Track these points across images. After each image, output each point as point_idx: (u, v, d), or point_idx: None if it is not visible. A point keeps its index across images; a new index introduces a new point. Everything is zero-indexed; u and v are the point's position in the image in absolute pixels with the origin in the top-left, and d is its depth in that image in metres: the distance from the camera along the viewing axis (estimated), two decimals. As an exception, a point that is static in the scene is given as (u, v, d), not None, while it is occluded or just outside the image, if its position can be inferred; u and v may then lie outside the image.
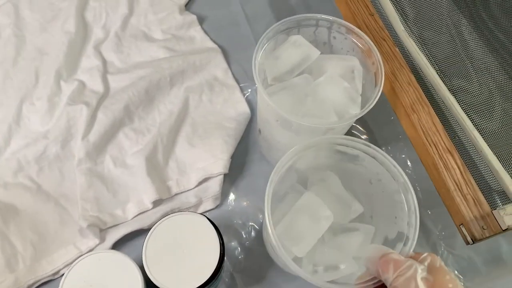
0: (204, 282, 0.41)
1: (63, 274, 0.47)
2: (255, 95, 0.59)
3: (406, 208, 0.37)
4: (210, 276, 0.42)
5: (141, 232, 0.49)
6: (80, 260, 0.42)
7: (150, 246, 0.43)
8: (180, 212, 0.45)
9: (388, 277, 0.31)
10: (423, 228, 0.52)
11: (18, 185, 0.51)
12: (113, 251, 0.43)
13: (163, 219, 0.44)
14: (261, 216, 0.52)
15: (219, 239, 0.43)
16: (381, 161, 0.39)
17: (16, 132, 0.54)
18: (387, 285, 0.32)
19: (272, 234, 0.36)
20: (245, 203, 0.53)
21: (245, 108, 0.57)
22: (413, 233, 0.36)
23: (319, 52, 0.46)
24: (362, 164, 0.42)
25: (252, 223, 0.52)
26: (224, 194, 0.53)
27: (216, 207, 0.52)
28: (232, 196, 0.53)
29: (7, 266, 0.46)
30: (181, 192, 0.52)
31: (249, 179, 0.54)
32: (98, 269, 0.42)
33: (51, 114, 0.55)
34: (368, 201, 0.45)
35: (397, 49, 0.50)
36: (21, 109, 0.56)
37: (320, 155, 0.43)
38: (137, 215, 0.50)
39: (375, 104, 0.42)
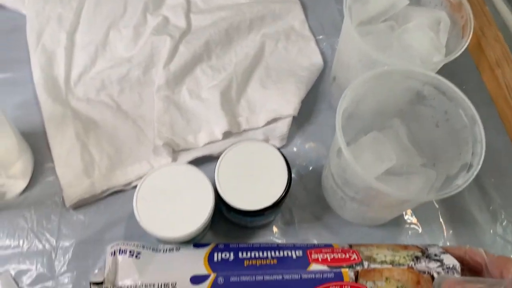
0: (272, 204, 0.43)
1: (134, 186, 0.50)
2: (329, 49, 0.61)
3: (472, 141, 0.38)
4: (278, 199, 0.44)
5: (211, 159, 0.51)
6: (157, 169, 0.45)
7: (223, 166, 0.45)
8: (252, 140, 0.47)
9: None
10: (484, 195, 0.52)
11: (100, 102, 0.54)
12: (188, 165, 0.46)
13: (236, 144, 0.46)
14: (323, 162, 0.53)
15: (287, 166, 0.45)
16: (450, 96, 0.40)
17: (102, 55, 0.57)
18: None
19: (344, 149, 0.37)
20: (308, 148, 0.54)
21: (319, 59, 0.59)
22: (478, 161, 0.37)
23: (408, 1, 0.46)
24: (431, 105, 0.42)
25: (313, 167, 0.53)
26: (289, 137, 0.54)
27: (281, 147, 0.54)
28: (297, 140, 0.55)
29: (85, 172, 0.50)
30: (250, 129, 0.54)
31: (315, 127, 0.56)
32: (172, 180, 0.44)
33: (136, 42, 0.58)
34: (432, 149, 0.45)
35: (486, 7, 0.50)
36: (108, 35, 0.59)
37: (389, 93, 0.44)
38: (207, 144, 0.52)
39: (456, 60, 0.42)
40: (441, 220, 0.51)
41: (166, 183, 0.44)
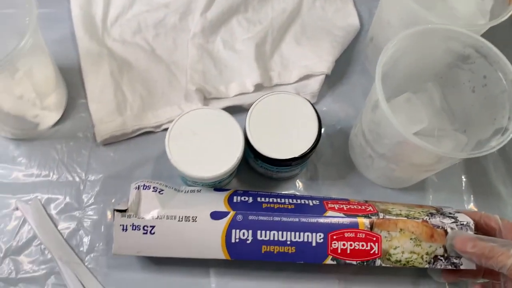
0: (301, 155, 0.44)
1: (164, 129, 0.51)
2: (367, 12, 0.60)
3: (510, 106, 0.38)
4: (307, 151, 0.44)
5: (240, 110, 0.52)
6: (191, 111, 0.45)
7: (255, 114, 0.46)
8: (286, 92, 0.48)
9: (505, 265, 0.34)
10: (510, 169, 0.52)
11: (135, 44, 0.55)
12: (221, 110, 0.46)
13: (269, 94, 0.47)
14: (351, 122, 0.53)
15: (318, 120, 0.45)
16: (492, 60, 0.40)
17: (140, -2, 0.57)
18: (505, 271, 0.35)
19: (382, 102, 0.37)
20: (338, 107, 0.54)
21: (355, 21, 0.58)
22: None
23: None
24: (469, 69, 0.42)
25: (341, 127, 0.53)
26: (320, 95, 0.54)
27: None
28: (327, 99, 0.55)
29: (117, 110, 0.50)
30: (281, 84, 0.54)
31: (347, 87, 0.56)
32: (205, 122, 0.45)
33: (174, -12, 0.58)
34: (465, 114, 0.45)
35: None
36: (147, -21, 0.59)
37: (428, 54, 0.44)
38: (237, 95, 0.53)
39: (499, 27, 0.41)
40: (464, 190, 0.51)
41: (199, 125, 0.45)
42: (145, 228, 0.41)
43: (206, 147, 0.44)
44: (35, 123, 0.50)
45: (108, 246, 0.46)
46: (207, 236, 0.42)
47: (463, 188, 0.51)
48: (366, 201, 0.45)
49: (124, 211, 0.41)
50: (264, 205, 0.43)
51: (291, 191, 0.50)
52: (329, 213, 0.42)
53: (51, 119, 0.51)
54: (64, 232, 0.46)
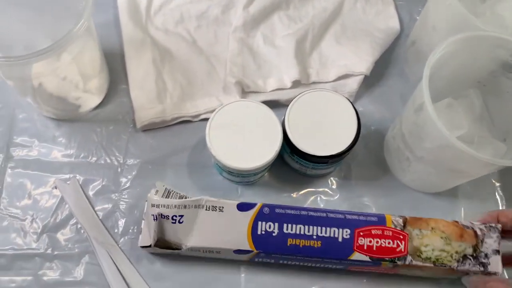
0: (339, 152, 0.44)
1: (202, 119, 0.52)
2: (407, 15, 0.60)
3: None
4: (346, 149, 0.44)
5: (277, 105, 0.52)
6: (231, 103, 0.46)
7: (294, 110, 0.46)
8: (326, 89, 0.48)
9: None
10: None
11: (177, 35, 0.55)
12: (261, 103, 0.46)
13: (310, 90, 0.47)
14: (386, 124, 0.53)
15: (357, 119, 0.45)
16: None
17: (183, -11, 0.58)
18: None
19: (429, 104, 0.37)
20: (373, 109, 0.54)
21: (396, 24, 0.58)
22: None
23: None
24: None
25: (376, 128, 0.53)
26: (357, 95, 0.55)
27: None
28: (364, 99, 0.55)
29: (158, 98, 0.51)
30: (319, 82, 0.54)
31: (384, 90, 0.56)
32: (244, 114, 0.46)
33: (218, -19, 0.58)
34: (506, 123, 0.45)
35: None
36: (191, -30, 0.59)
37: (473, 61, 0.44)
38: (275, 90, 0.53)
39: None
40: (497, 197, 0.51)
41: (239, 117, 0.45)
42: (174, 217, 0.42)
43: (245, 139, 0.44)
44: (76, 105, 0.51)
45: (139, 230, 0.46)
46: (233, 227, 0.42)
47: (496, 195, 0.51)
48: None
49: (149, 246, 0.43)
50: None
51: (324, 188, 0.50)
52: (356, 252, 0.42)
53: (92, 102, 0.52)
54: (100, 214, 0.47)
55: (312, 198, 0.50)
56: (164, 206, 0.42)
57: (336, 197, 0.50)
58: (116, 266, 0.45)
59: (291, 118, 0.45)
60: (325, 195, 0.50)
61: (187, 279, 0.45)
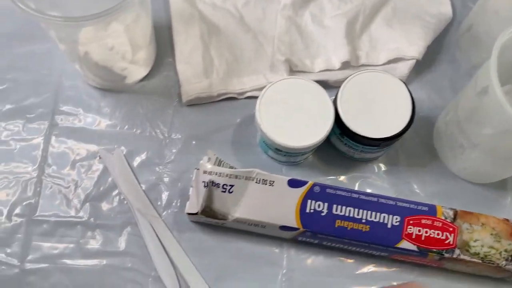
0: (393, 135, 0.43)
1: (248, 97, 0.51)
2: (459, 1, 0.58)
3: None
4: (400, 131, 0.43)
5: (325, 87, 0.50)
6: (282, 80, 0.45)
7: (346, 90, 0.45)
8: (379, 70, 0.47)
9: None
10: None
11: (224, 10, 0.54)
12: (313, 82, 0.45)
13: (362, 71, 0.46)
14: (435, 111, 0.51)
15: (412, 101, 0.44)
16: None
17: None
18: None
19: (497, 87, 0.35)
20: (423, 95, 0.53)
21: (448, 10, 0.56)
22: None
23: None
24: None
25: (424, 115, 0.52)
26: (407, 81, 0.53)
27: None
28: (414, 85, 0.53)
29: (204, 72, 0.50)
30: (368, 65, 0.53)
31: (435, 76, 0.54)
32: (295, 92, 0.45)
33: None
34: None
35: None
36: None
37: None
38: (322, 71, 0.52)
39: None
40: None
41: (290, 94, 0.44)
42: (225, 186, 0.41)
43: (296, 117, 0.43)
44: (122, 76, 0.50)
45: (182, 203, 0.46)
46: (282, 202, 0.42)
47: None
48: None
49: (195, 213, 0.42)
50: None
51: (371, 174, 0.49)
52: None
53: (138, 74, 0.51)
54: (143, 186, 0.47)
55: (357, 182, 0.49)
56: (216, 173, 0.41)
57: (382, 183, 0.49)
58: (158, 238, 0.45)
59: (343, 98, 0.44)
60: (371, 180, 0.49)
61: (228, 254, 0.45)
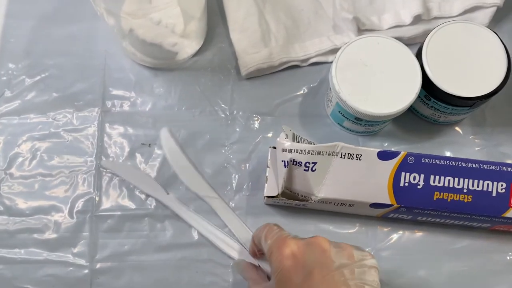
0: (489, 93, 0.38)
1: (312, 64, 0.46)
2: None
3: None
4: (495, 88, 0.38)
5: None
6: (358, 39, 0.40)
7: (431, 47, 0.40)
8: (467, 21, 0.41)
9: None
10: None
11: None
12: (394, 39, 0.40)
13: (446, 23, 0.41)
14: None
15: (506, 54, 0.39)
16: None
17: None
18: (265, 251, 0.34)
19: None
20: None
21: None
22: None
23: None
24: None
25: (510, 69, 0.46)
26: (485, 32, 0.48)
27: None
28: (494, 35, 0.48)
29: (262, 40, 0.46)
30: (441, 17, 0.47)
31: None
32: (375, 52, 0.40)
33: None
34: None
35: None
36: None
37: None
38: (392, 27, 0.47)
39: None
40: None
41: (369, 55, 0.40)
42: (307, 164, 0.37)
43: (378, 80, 0.39)
44: (173, 52, 0.46)
45: (253, 186, 0.43)
46: (372, 177, 0.37)
47: None
48: None
49: (276, 196, 0.38)
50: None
51: (456, 138, 0.44)
52: None
53: (191, 48, 0.47)
54: (209, 170, 0.43)
55: (443, 148, 0.44)
56: (296, 151, 0.36)
57: (470, 147, 0.44)
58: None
59: (428, 55, 0.39)
60: (457, 145, 0.44)
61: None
